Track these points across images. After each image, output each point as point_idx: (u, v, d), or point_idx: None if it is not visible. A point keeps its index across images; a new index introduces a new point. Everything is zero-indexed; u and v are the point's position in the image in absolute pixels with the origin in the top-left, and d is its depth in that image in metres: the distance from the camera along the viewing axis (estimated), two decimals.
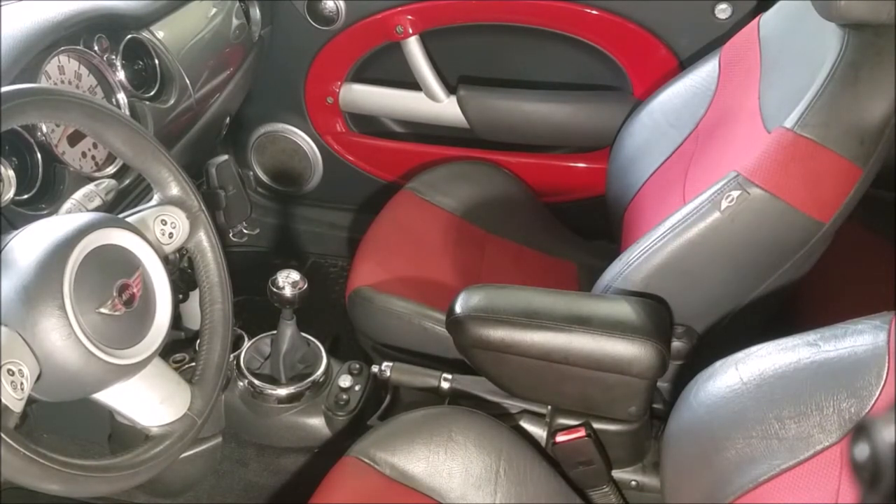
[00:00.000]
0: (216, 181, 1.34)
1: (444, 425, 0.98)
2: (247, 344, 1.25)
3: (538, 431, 1.06)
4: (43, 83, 0.96)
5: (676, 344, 0.99)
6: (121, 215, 0.82)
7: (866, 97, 0.88)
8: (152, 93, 1.17)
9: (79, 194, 0.88)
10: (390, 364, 1.15)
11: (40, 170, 0.93)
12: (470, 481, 0.93)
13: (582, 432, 1.00)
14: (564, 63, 1.62)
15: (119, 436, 1.22)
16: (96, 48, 1.06)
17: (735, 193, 0.92)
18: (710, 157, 1.12)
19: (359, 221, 1.84)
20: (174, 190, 0.87)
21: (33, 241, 0.71)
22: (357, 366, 1.25)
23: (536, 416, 1.07)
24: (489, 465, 0.95)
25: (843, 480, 0.63)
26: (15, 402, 0.65)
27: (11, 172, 0.87)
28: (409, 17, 1.58)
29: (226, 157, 1.37)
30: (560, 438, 1.00)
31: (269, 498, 1.25)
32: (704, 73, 1.24)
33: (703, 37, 1.45)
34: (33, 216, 0.87)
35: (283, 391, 1.19)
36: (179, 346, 1.21)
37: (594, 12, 1.50)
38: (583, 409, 1.04)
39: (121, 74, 1.10)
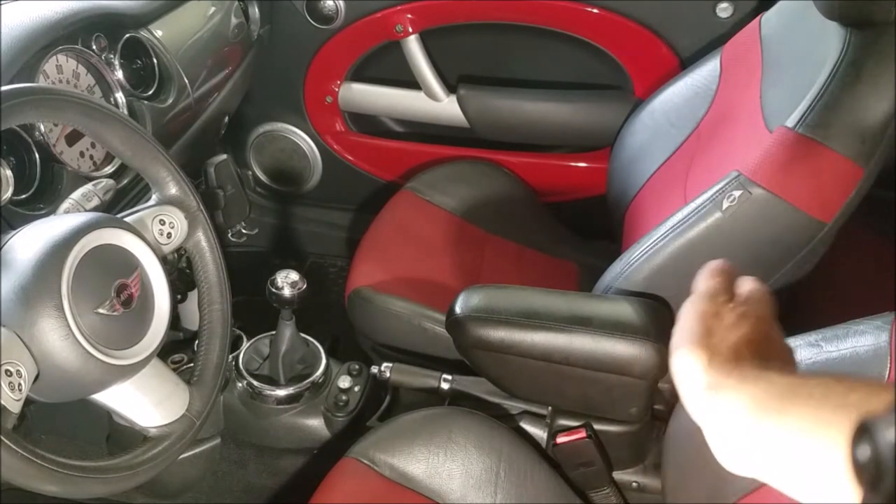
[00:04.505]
0: (215, 181, 1.33)
1: (444, 426, 0.98)
2: (245, 344, 1.25)
3: (538, 432, 1.06)
4: (41, 82, 0.95)
5: None
6: (119, 215, 0.82)
7: (868, 96, 0.88)
8: (150, 92, 1.16)
9: (77, 194, 0.88)
10: (390, 365, 1.15)
11: (38, 169, 0.92)
12: (470, 482, 0.93)
13: (583, 433, 1.00)
14: (565, 62, 1.62)
15: (117, 437, 1.21)
16: (94, 47, 1.06)
17: (736, 193, 0.91)
18: (712, 156, 1.12)
19: (358, 221, 1.84)
20: (172, 189, 0.87)
21: (31, 240, 0.71)
22: (356, 366, 1.24)
23: (537, 417, 1.07)
24: (489, 467, 0.94)
25: None
26: (13, 403, 0.65)
27: (9, 172, 0.87)
28: (409, 15, 1.58)
29: (224, 156, 1.36)
30: (561, 439, 1.00)
31: (268, 499, 1.25)
32: (706, 73, 1.24)
33: (705, 36, 1.44)
34: (31, 216, 0.87)
35: (282, 392, 1.18)
36: (178, 347, 1.21)
37: (595, 11, 1.49)
38: (583, 410, 1.04)
39: (119, 73, 1.09)
